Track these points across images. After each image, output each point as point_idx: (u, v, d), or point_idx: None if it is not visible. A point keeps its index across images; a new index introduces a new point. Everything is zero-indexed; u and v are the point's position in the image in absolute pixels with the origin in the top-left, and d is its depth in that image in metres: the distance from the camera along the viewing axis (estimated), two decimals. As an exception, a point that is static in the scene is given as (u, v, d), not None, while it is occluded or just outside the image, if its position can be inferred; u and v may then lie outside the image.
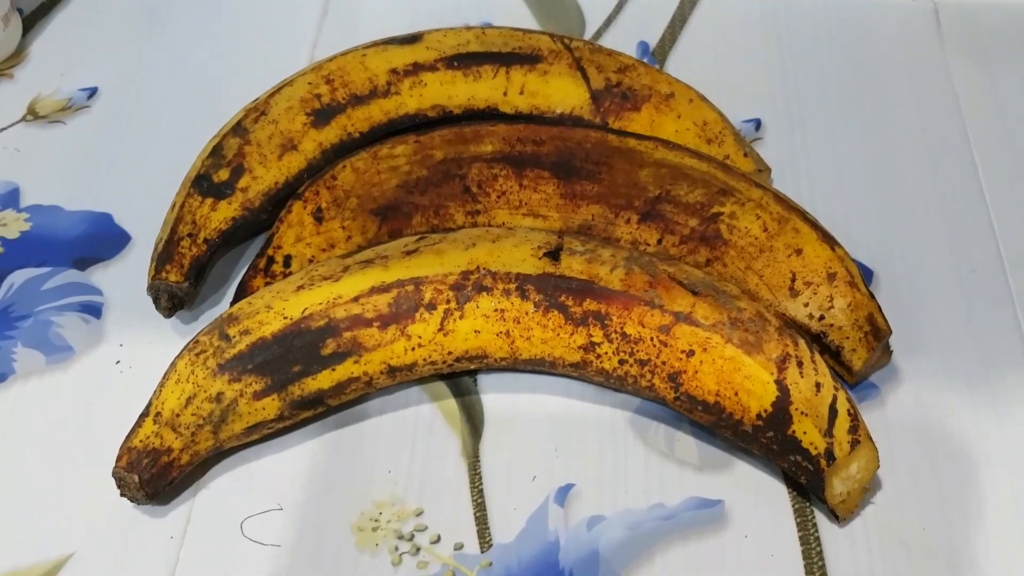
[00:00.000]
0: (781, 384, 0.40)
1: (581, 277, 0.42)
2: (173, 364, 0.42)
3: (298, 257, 0.46)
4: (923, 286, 0.48)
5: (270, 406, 0.41)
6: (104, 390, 0.45)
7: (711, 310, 0.41)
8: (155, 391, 0.42)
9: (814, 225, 0.44)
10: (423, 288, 0.42)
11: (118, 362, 0.46)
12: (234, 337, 0.41)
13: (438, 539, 0.41)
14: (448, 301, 0.42)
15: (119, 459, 0.41)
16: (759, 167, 0.49)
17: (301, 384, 0.41)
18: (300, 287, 0.42)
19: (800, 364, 0.40)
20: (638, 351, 0.41)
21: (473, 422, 0.44)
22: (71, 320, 0.47)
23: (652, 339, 0.41)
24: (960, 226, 0.50)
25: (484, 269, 0.42)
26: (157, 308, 0.46)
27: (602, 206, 0.45)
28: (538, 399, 0.44)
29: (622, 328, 0.41)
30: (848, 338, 0.43)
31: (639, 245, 0.45)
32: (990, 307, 0.47)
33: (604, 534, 0.41)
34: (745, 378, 0.40)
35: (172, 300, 0.46)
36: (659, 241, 0.45)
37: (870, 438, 0.40)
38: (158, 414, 0.41)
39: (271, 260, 0.45)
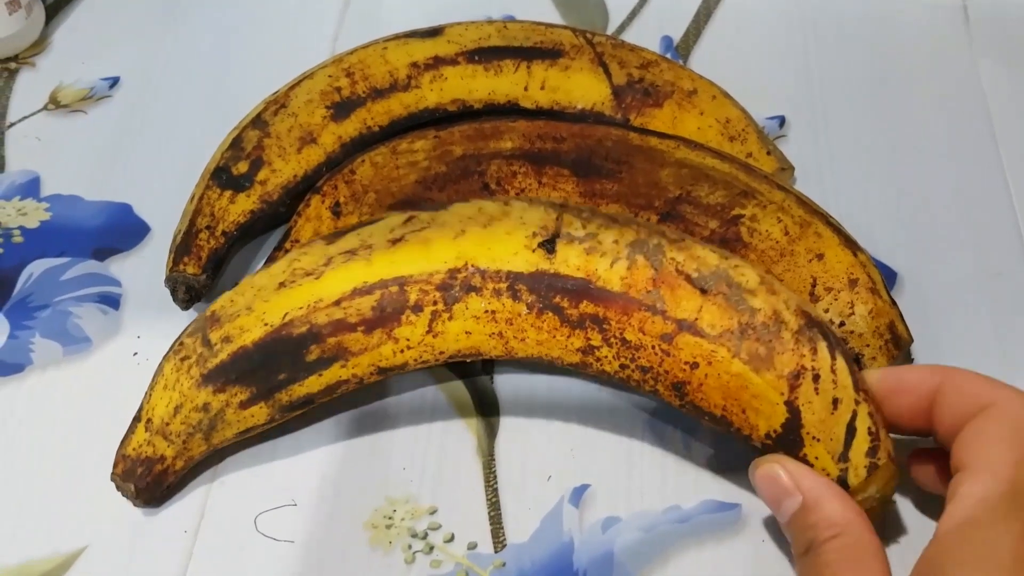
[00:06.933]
0: (791, 405, 0.37)
1: (577, 275, 0.39)
2: (161, 366, 0.41)
3: (316, 252, 0.45)
4: (947, 290, 0.47)
5: (259, 413, 0.41)
6: (121, 382, 0.45)
7: (719, 314, 0.38)
8: (146, 393, 0.41)
9: (837, 229, 0.43)
10: (408, 288, 0.40)
11: (135, 354, 0.46)
12: (216, 344, 0.40)
13: (452, 538, 0.41)
14: (435, 303, 0.40)
15: (115, 465, 0.41)
16: (782, 166, 0.49)
17: (288, 391, 0.41)
18: (281, 284, 0.41)
19: (816, 379, 0.37)
20: (639, 357, 0.39)
21: (489, 421, 0.44)
22: (89, 311, 0.47)
23: (654, 347, 0.39)
24: (986, 229, 0.49)
25: (473, 266, 0.40)
26: (175, 300, 0.46)
27: (621, 205, 0.45)
28: (555, 399, 0.44)
29: (621, 334, 0.39)
30: (868, 345, 0.42)
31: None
32: (1014, 312, 0.46)
33: (619, 536, 0.40)
34: (752, 397, 0.38)
35: (189, 292, 0.46)
36: (679, 242, 0.44)
37: (891, 457, 0.37)
38: (149, 420, 0.41)
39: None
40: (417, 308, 0.40)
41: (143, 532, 0.41)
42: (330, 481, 0.42)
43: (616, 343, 0.39)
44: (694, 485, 0.42)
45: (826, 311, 0.42)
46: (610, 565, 0.40)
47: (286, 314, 0.40)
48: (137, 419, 0.41)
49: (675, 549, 0.40)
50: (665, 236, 0.40)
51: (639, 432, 0.43)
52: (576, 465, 0.42)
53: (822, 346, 0.38)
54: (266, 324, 0.40)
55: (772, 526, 0.41)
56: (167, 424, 0.40)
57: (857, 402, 0.37)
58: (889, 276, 0.47)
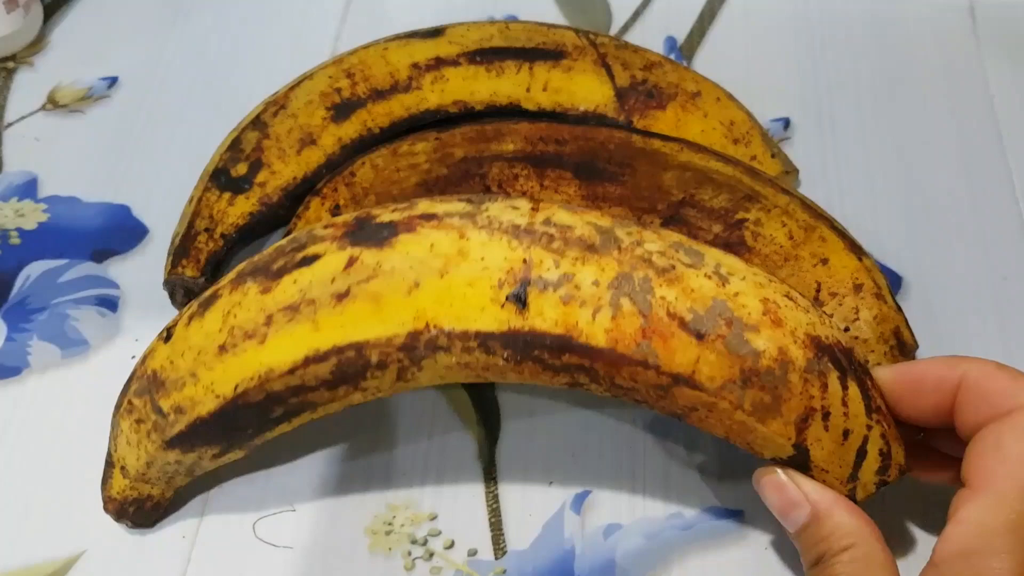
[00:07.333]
0: (800, 447, 0.35)
1: (556, 331, 0.34)
2: (116, 421, 0.39)
3: (315, 254, 0.45)
4: (952, 294, 0.47)
5: (236, 455, 0.39)
6: (119, 385, 0.44)
7: (719, 364, 0.34)
8: (110, 440, 0.40)
9: (842, 234, 0.43)
10: (367, 352, 0.35)
11: (134, 357, 0.45)
12: (169, 414, 0.37)
13: (452, 544, 0.40)
14: (400, 360, 0.35)
15: (105, 504, 0.40)
16: (787, 169, 0.49)
17: (261, 437, 0.38)
18: (222, 348, 0.36)
19: (826, 416, 0.35)
20: (634, 394, 0.36)
21: (490, 426, 0.43)
22: (87, 313, 0.47)
23: (648, 391, 0.35)
24: (992, 233, 0.49)
25: (436, 328, 0.35)
26: (173, 303, 0.46)
27: (624, 209, 0.44)
28: (556, 404, 0.44)
29: (611, 380, 0.35)
30: (873, 351, 0.42)
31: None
32: (1020, 316, 0.46)
33: (621, 543, 0.40)
34: (757, 438, 0.36)
35: (188, 295, 0.45)
36: (682, 246, 0.44)
37: (901, 470, 0.36)
38: (123, 468, 0.39)
39: (288, 257, 0.45)
40: (381, 366, 0.36)
41: (141, 537, 0.41)
42: (329, 487, 0.42)
43: (606, 383, 0.36)
44: (697, 491, 0.41)
45: (831, 316, 0.42)
46: (612, 572, 0.39)
47: (237, 385, 0.36)
48: (111, 464, 0.40)
49: (677, 556, 0.40)
50: (652, 265, 0.35)
51: (641, 438, 0.43)
52: (577, 471, 0.42)
53: (833, 378, 0.35)
54: (218, 396, 0.36)
55: (775, 533, 0.40)
56: (144, 473, 0.39)
57: (869, 427, 0.36)
58: (894, 280, 0.47)
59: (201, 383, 0.37)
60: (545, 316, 0.35)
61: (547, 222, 0.36)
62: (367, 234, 0.36)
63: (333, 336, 0.35)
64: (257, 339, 0.36)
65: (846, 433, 0.35)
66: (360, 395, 0.37)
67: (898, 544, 0.40)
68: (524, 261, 0.35)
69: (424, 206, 0.37)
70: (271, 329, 0.36)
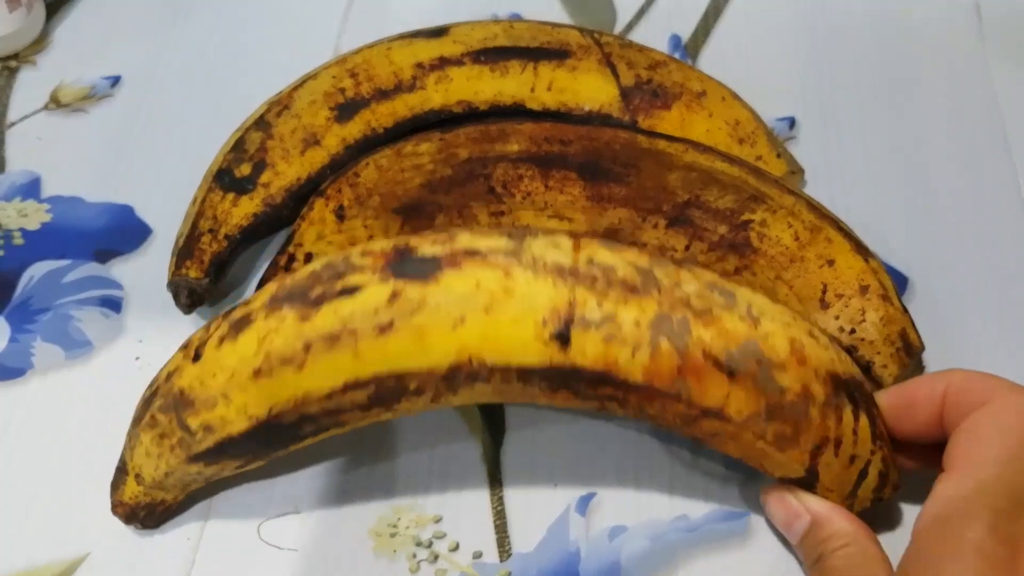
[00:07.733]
0: (811, 470, 0.37)
1: (596, 368, 0.35)
2: (136, 433, 0.39)
3: (319, 255, 0.45)
4: (959, 294, 0.47)
5: (257, 463, 0.39)
6: (123, 386, 0.44)
7: (747, 399, 0.36)
8: (126, 448, 0.39)
9: (848, 235, 0.43)
10: (406, 380, 0.36)
11: (137, 358, 0.45)
12: (197, 432, 0.37)
13: (457, 547, 0.40)
14: (437, 387, 0.36)
15: (114, 507, 0.40)
16: (792, 168, 0.48)
17: (285, 451, 0.38)
18: (257, 372, 0.36)
19: (838, 444, 0.37)
20: (659, 420, 0.37)
21: (494, 428, 0.43)
22: (91, 314, 0.47)
23: (674, 419, 0.37)
24: (997, 233, 0.49)
25: (477, 362, 0.35)
26: (177, 304, 0.46)
27: (629, 210, 0.44)
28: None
29: (641, 408, 0.37)
30: (879, 353, 0.41)
31: (666, 251, 0.44)
32: (1027, 317, 0.46)
33: (626, 545, 0.40)
34: (773, 463, 0.37)
35: (192, 296, 0.45)
36: (687, 248, 0.44)
37: (895, 488, 0.38)
38: (138, 475, 0.39)
39: (292, 258, 0.45)
40: (418, 392, 0.36)
41: (145, 539, 0.41)
42: (334, 489, 0.42)
43: (634, 410, 0.37)
44: (702, 494, 0.41)
45: (837, 318, 0.42)
46: (617, 574, 0.39)
47: (272, 408, 0.36)
48: (124, 471, 0.39)
49: (682, 558, 0.40)
50: (690, 307, 0.36)
51: (646, 440, 0.43)
52: (582, 472, 0.42)
53: (847, 411, 0.37)
54: (250, 417, 0.36)
55: (779, 536, 0.40)
56: (160, 481, 0.39)
57: (873, 452, 0.38)
58: (900, 281, 0.47)
59: (234, 404, 0.36)
60: (587, 354, 0.35)
61: (590, 262, 0.36)
62: (410, 268, 0.36)
63: (374, 366, 0.36)
64: (295, 365, 0.36)
65: (853, 458, 0.37)
66: (391, 415, 0.37)
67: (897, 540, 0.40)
68: (569, 302, 0.35)
69: (465, 240, 0.37)
70: (310, 356, 0.36)
